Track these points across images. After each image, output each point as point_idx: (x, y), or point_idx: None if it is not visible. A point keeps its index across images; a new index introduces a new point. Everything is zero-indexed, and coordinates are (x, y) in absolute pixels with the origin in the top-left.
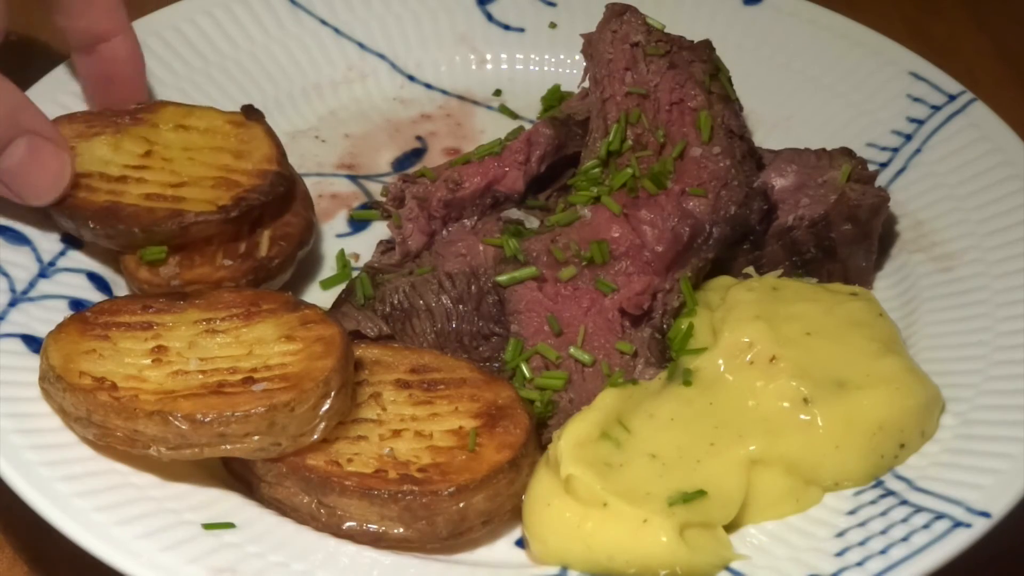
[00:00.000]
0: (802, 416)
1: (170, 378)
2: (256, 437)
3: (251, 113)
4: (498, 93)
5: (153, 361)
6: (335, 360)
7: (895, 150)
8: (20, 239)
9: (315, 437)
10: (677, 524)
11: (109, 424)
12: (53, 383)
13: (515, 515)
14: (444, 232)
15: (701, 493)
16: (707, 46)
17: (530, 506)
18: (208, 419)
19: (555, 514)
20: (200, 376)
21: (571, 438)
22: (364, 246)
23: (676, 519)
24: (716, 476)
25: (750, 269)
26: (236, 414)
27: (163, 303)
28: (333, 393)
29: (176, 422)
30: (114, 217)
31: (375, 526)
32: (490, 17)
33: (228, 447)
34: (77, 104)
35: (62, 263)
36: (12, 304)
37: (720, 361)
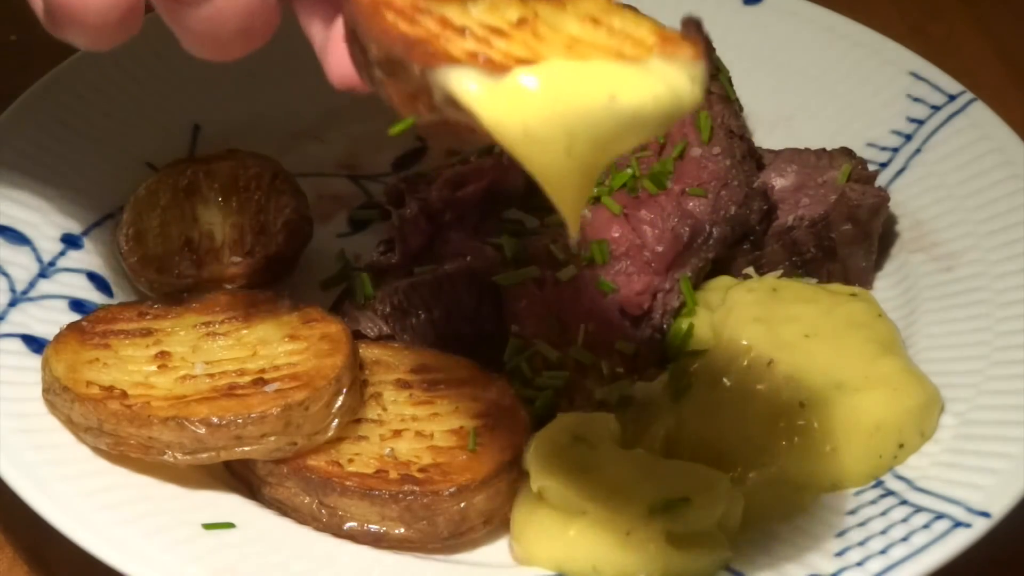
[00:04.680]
0: (798, 421)
1: (179, 383)
2: (272, 437)
3: None
4: None
5: (158, 367)
6: (344, 357)
7: (895, 150)
8: (20, 239)
9: (329, 434)
10: (662, 530)
11: (122, 432)
12: (59, 394)
13: None
14: (444, 232)
15: (684, 500)
16: (707, 46)
17: (516, 510)
18: (224, 422)
19: (538, 521)
20: (208, 380)
21: (541, 446)
22: (364, 246)
23: (659, 526)
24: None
25: (750, 269)
26: (252, 416)
27: (159, 308)
28: (345, 390)
29: (192, 427)
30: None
31: (376, 526)
32: None
33: (245, 449)
34: (79, 106)
35: (62, 263)
36: (12, 304)
37: (719, 364)
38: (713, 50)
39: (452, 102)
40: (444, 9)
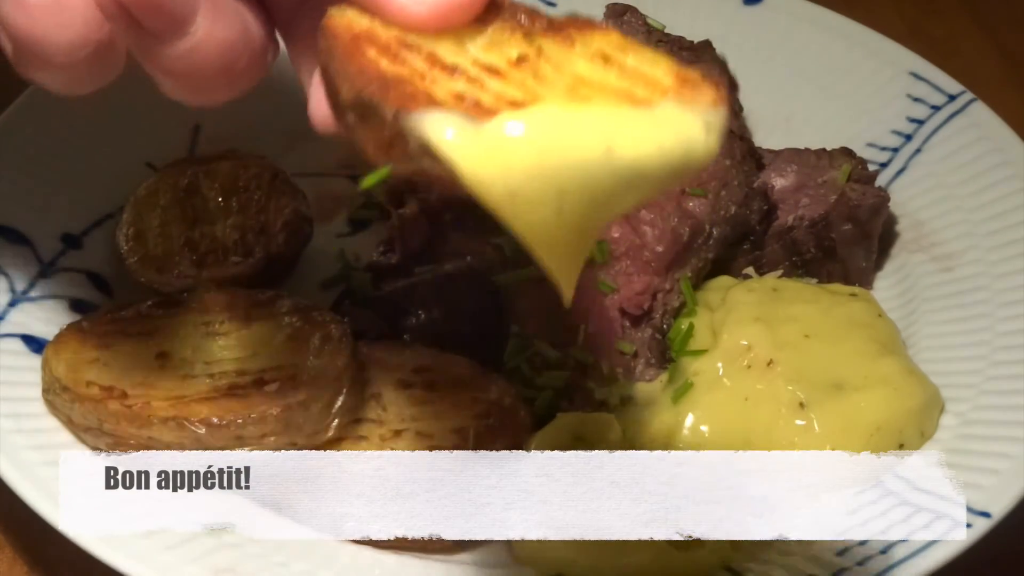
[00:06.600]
0: (798, 421)
1: (179, 383)
2: (272, 437)
3: None
4: None
5: (159, 367)
6: (344, 357)
7: (895, 150)
8: (20, 239)
9: (329, 434)
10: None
11: (121, 433)
12: (59, 394)
13: None
14: (444, 232)
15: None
16: (707, 46)
17: None
18: (224, 422)
19: None
20: (208, 380)
21: (541, 446)
22: (364, 246)
23: None
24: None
25: (750, 269)
26: (252, 416)
27: (159, 309)
28: (345, 390)
29: (192, 427)
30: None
31: None
32: None
33: (245, 449)
34: (80, 105)
35: (62, 263)
36: (12, 304)
37: (719, 365)
38: (713, 50)
39: (428, 151)
40: (435, 46)
